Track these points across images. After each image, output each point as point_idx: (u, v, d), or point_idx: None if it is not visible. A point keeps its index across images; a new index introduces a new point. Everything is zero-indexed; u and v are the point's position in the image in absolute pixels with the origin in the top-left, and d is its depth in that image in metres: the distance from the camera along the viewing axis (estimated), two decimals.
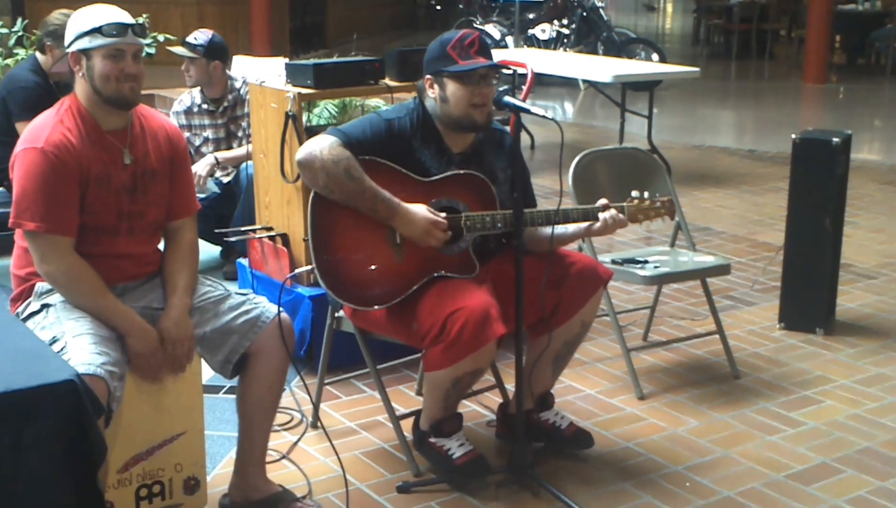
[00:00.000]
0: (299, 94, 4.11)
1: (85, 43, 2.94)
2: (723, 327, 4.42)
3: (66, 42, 3.00)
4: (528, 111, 3.28)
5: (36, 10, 10.14)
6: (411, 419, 3.58)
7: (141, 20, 3.35)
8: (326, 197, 3.27)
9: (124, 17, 2.97)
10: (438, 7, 21.99)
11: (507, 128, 3.66)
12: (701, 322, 4.87)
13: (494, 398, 3.92)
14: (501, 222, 3.32)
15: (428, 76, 3.37)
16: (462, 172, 3.39)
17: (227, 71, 5.53)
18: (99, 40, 2.92)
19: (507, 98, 3.29)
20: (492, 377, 3.86)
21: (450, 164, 3.39)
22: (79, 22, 2.97)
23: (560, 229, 3.43)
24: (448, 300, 3.18)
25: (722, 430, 3.85)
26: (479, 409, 3.96)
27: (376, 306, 3.31)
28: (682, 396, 4.14)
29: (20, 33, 6.83)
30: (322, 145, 3.25)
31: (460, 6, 17.32)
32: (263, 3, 13.69)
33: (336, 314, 3.64)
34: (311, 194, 3.31)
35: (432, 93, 3.36)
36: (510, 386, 3.69)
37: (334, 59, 5.32)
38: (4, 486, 2.02)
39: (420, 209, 3.28)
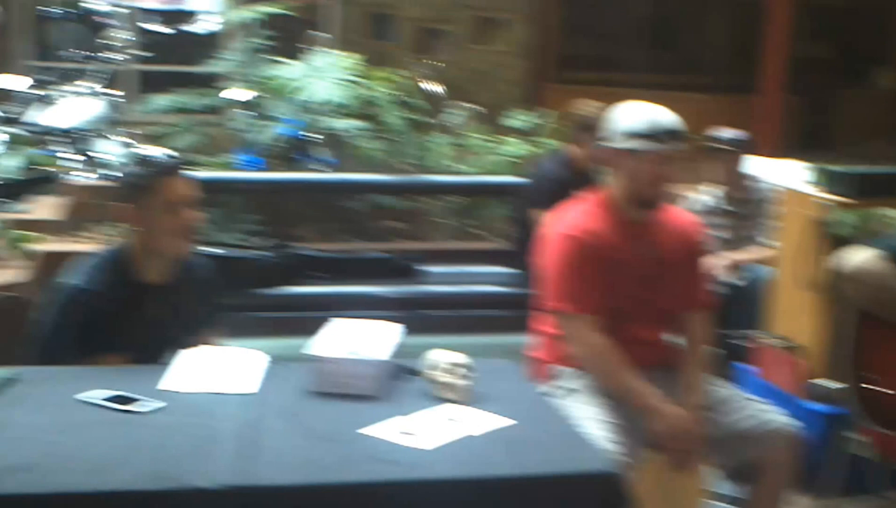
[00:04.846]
0: (838, 202, 3.91)
1: (630, 144, 2.97)
2: None
3: (606, 136, 3.05)
4: None
5: (550, 100, 10.62)
6: None
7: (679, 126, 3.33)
8: (875, 313, 3.10)
9: (672, 121, 2.97)
10: None
11: None
12: None
13: None
14: None
15: None
16: None
17: (744, 171, 5.40)
18: (646, 145, 2.94)
19: None
20: None
21: None
22: (625, 121, 3.00)
23: None
24: None
25: None
26: None
27: None
28: None
29: (545, 124, 7.14)
30: (867, 257, 3.10)
31: None
32: (774, 101, 13.33)
33: (846, 436, 3.45)
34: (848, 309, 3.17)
35: None
36: None
37: (875, 167, 4.97)
38: None
39: None
